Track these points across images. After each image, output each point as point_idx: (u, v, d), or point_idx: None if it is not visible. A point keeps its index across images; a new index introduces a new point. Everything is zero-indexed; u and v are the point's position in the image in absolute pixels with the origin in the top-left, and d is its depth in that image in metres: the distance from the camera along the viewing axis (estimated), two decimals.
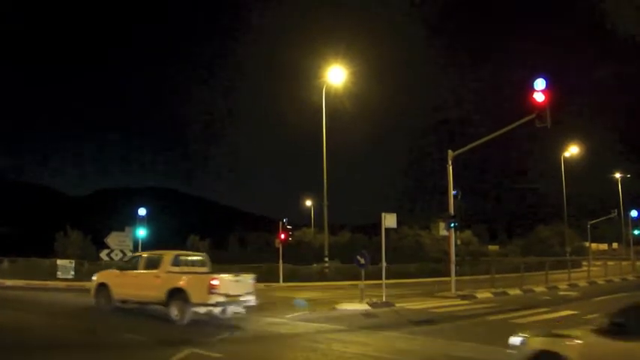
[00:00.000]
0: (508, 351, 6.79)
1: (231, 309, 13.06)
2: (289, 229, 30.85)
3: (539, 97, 17.10)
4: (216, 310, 12.66)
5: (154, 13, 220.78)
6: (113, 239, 27.27)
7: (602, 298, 20.56)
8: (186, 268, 14.15)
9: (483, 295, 20.58)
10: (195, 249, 41.78)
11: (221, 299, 12.62)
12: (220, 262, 38.34)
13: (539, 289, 23.36)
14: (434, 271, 31.58)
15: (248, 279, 13.61)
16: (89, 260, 30.62)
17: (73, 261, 29.00)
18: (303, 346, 10.25)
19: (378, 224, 18.84)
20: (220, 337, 10.95)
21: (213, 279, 12.78)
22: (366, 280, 17.38)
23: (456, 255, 22.24)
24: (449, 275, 21.32)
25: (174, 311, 12.87)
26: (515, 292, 22.06)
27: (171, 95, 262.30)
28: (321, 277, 29.97)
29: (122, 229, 27.99)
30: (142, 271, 14.24)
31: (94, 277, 15.65)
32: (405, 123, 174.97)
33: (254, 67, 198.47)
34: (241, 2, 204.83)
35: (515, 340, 6.68)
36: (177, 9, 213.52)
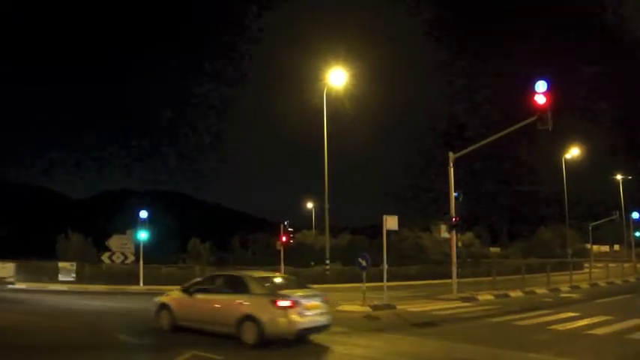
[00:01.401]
0: (152, 307, 11.91)
1: None
2: (290, 232, 30.76)
3: (540, 99, 17.07)
4: None
5: (154, 13, 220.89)
6: (115, 242, 27.28)
7: (604, 300, 20.52)
8: None
9: (485, 297, 20.55)
10: (197, 252, 41.89)
11: None
12: (222, 265, 38.53)
13: (541, 290, 23.33)
14: (435, 273, 31.56)
15: (11, 267, 21.92)
16: (90, 263, 30.66)
17: (75, 263, 29.03)
18: (306, 349, 10.24)
19: (378, 226, 18.82)
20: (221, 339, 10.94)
21: None
22: (367, 282, 17.36)
23: (457, 257, 22.20)
24: (450, 277, 21.28)
25: None
26: (516, 294, 22.02)
27: (172, 97, 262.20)
28: (322, 279, 29.91)
29: (123, 232, 28.02)
30: None
31: None
32: (405, 125, 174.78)
33: (255, 68, 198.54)
34: (242, 3, 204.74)
35: (155, 299, 11.92)
36: (177, 10, 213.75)
